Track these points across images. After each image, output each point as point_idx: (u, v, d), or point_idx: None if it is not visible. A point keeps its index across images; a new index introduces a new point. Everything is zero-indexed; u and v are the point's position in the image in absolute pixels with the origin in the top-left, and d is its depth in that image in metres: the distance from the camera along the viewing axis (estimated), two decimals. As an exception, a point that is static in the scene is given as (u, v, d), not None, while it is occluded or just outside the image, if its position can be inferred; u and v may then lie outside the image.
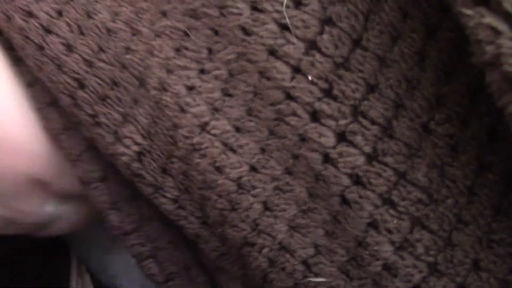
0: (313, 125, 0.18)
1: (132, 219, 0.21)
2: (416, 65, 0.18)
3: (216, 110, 0.19)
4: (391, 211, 0.18)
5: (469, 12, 0.14)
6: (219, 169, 0.19)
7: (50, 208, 0.24)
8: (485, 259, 0.19)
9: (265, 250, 0.20)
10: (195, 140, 0.19)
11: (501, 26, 0.14)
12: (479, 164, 0.18)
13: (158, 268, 0.22)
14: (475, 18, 0.14)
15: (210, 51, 0.19)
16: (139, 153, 0.20)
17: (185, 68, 0.19)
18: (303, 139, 0.18)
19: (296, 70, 0.17)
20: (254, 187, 0.19)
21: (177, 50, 0.19)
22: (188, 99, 0.18)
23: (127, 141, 0.20)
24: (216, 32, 0.19)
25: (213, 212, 0.20)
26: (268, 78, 0.18)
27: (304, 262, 0.20)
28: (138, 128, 0.20)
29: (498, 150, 0.18)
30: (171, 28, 0.19)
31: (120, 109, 0.20)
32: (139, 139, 0.20)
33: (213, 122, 0.19)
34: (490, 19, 0.14)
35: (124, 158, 0.20)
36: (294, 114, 0.18)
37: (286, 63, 0.17)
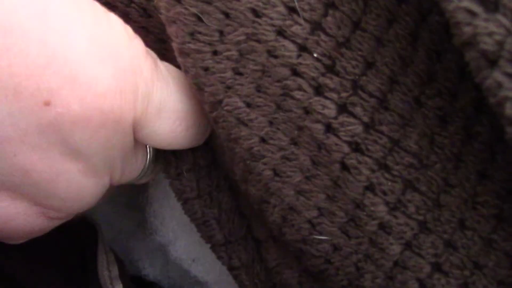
0: (317, 98, 0.20)
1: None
2: (409, 45, 0.20)
3: (228, 88, 0.21)
4: (386, 175, 0.20)
5: None
6: (235, 140, 0.21)
7: None
8: (469, 219, 0.20)
9: (277, 209, 0.22)
10: (214, 114, 0.21)
11: (477, 8, 0.15)
12: (466, 134, 0.20)
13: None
14: (453, 2, 0.16)
15: (221, 33, 0.21)
16: None
17: (199, 51, 0.21)
18: (307, 111, 0.20)
19: (303, 48, 0.20)
20: (263, 156, 0.21)
21: (191, 34, 0.21)
22: (204, 79, 0.21)
23: None
24: (227, 15, 0.20)
25: (238, 171, 0.22)
26: (276, 57, 0.20)
27: (309, 222, 0.22)
28: None
29: (484, 122, 0.20)
30: (184, 15, 0.21)
31: None
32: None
33: (226, 100, 0.21)
34: (466, 3, 0.15)
35: None
36: (300, 88, 0.20)
37: (294, 42, 0.19)
